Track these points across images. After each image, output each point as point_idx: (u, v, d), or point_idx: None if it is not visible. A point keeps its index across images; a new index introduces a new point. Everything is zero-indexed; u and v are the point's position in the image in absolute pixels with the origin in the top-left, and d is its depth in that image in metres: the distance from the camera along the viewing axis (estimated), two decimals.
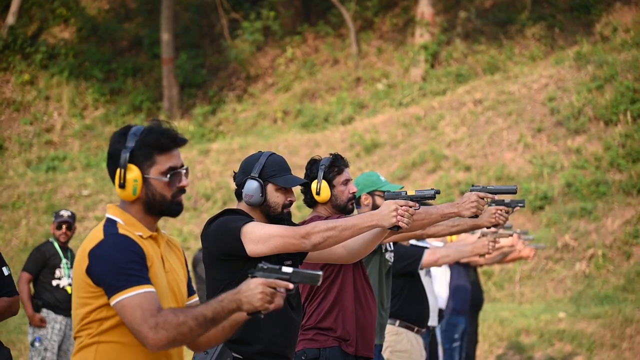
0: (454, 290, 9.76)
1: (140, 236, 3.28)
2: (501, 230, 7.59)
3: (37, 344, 9.13)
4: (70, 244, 9.76)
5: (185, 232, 17.27)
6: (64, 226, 9.31)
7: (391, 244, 6.10)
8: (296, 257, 4.59)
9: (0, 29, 24.19)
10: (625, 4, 21.15)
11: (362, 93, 22.12)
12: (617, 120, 16.52)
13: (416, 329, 6.91)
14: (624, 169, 15.63)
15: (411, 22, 23.11)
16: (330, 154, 5.35)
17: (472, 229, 5.77)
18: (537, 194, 15.74)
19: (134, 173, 3.27)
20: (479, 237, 7.31)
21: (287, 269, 3.20)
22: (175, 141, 3.32)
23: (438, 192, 4.77)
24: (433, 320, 8.23)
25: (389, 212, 4.45)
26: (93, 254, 3.20)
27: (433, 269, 8.82)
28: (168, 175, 3.30)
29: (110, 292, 3.15)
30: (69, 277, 9.31)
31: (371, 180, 6.07)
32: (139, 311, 3.12)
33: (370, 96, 21.72)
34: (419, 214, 4.95)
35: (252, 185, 4.52)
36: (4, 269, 5.55)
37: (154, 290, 3.17)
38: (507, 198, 5.88)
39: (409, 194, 4.70)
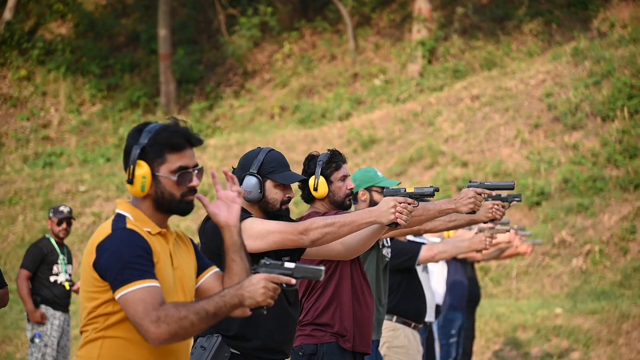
0: (451, 286, 9.78)
1: (149, 232, 3.29)
2: (498, 226, 7.59)
3: (37, 340, 9.12)
4: (65, 240, 9.76)
5: (182, 227, 17.28)
6: (64, 222, 9.32)
7: (388, 239, 6.11)
8: (294, 253, 4.59)
9: None
10: (622, 0, 21.16)
11: (359, 89, 22.12)
12: (614, 116, 16.53)
13: (413, 324, 6.92)
14: (621, 164, 15.65)
15: (408, 18, 23.10)
16: (328, 150, 5.35)
17: (469, 224, 5.77)
18: (534, 190, 15.75)
19: (143, 170, 3.28)
20: (476, 233, 7.32)
21: (290, 265, 3.21)
22: (189, 141, 3.32)
23: (437, 189, 4.77)
24: (430, 316, 8.24)
25: (387, 208, 4.46)
26: (100, 247, 3.22)
27: (430, 265, 8.82)
28: (177, 175, 3.30)
29: (115, 285, 3.17)
30: (66, 273, 9.31)
31: (368, 176, 6.07)
32: (141, 305, 3.13)
33: (368, 92, 21.72)
34: (416, 210, 4.96)
35: (250, 182, 4.52)
36: None
37: (159, 285, 3.18)
38: (503, 193, 5.88)
39: (408, 190, 4.71)
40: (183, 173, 3.31)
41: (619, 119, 16.43)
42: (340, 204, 5.32)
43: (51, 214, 9.39)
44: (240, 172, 4.58)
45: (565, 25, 21.71)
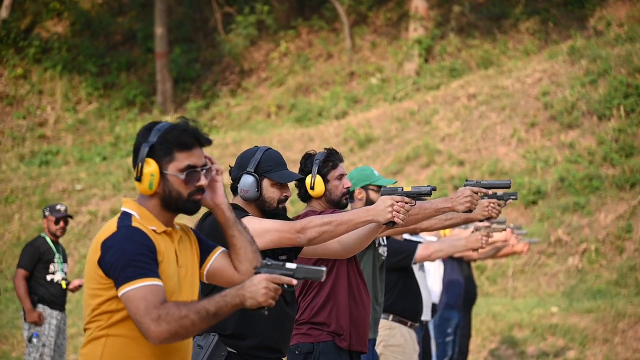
0: (447, 284, 9.78)
1: (154, 231, 3.30)
2: (494, 225, 7.60)
3: (34, 340, 9.09)
4: (61, 239, 9.75)
5: None
6: (61, 221, 9.31)
7: (384, 238, 6.11)
8: (291, 252, 4.59)
9: None
10: None
11: (355, 87, 22.12)
12: (610, 115, 16.54)
13: (409, 323, 6.92)
14: (617, 163, 15.66)
15: (405, 17, 23.10)
16: (325, 149, 5.34)
17: (465, 223, 5.77)
18: (530, 189, 15.76)
19: (151, 167, 3.29)
20: (473, 232, 7.32)
21: (291, 265, 3.21)
22: (198, 140, 3.33)
23: (434, 188, 4.77)
24: (426, 315, 8.24)
25: (384, 207, 4.47)
26: (105, 245, 3.23)
27: (426, 264, 8.82)
28: (185, 173, 3.31)
29: (118, 283, 3.18)
30: (62, 272, 9.30)
31: (365, 175, 6.07)
32: (142, 303, 3.14)
33: (364, 91, 21.72)
34: (412, 209, 4.96)
35: (247, 180, 4.52)
36: None
37: (161, 284, 3.19)
38: (499, 191, 5.89)
39: (405, 189, 4.71)
40: (191, 172, 3.32)
41: (615, 118, 16.45)
42: (336, 203, 5.32)
43: (47, 213, 9.36)
44: (237, 171, 4.57)
45: (561, 23, 21.72)
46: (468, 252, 8.04)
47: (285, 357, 4.71)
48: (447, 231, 8.97)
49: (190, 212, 3.37)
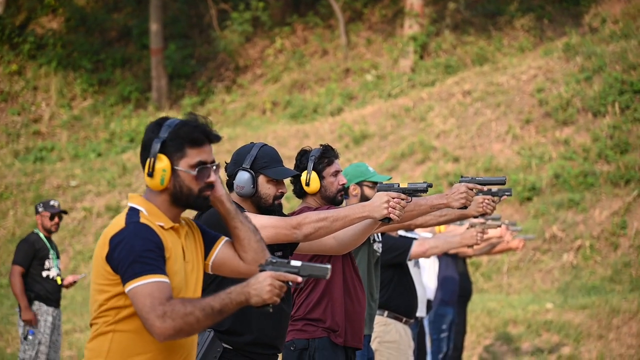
0: (442, 281, 9.79)
1: (162, 227, 3.31)
2: (489, 221, 7.61)
3: (30, 337, 9.07)
4: (55, 235, 9.72)
5: None
6: (56, 217, 9.29)
7: (379, 234, 6.11)
8: (287, 248, 4.59)
9: None
10: None
11: (351, 84, 22.12)
12: (605, 112, 16.56)
13: (404, 319, 6.93)
14: (612, 160, 15.68)
15: (400, 13, 23.10)
16: (321, 145, 5.35)
17: (459, 219, 5.78)
18: (525, 185, 15.78)
19: (163, 163, 3.31)
20: (468, 228, 7.33)
21: (296, 263, 3.22)
22: (208, 137, 3.35)
23: (430, 185, 4.78)
24: (421, 311, 8.25)
25: (380, 203, 4.47)
26: (113, 240, 3.24)
27: (421, 260, 8.83)
28: (196, 169, 3.33)
29: (125, 278, 3.19)
30: (57, 268, 9.28)
31: (360, 171, 6.08)
32: (148, 299, 3.15)
33: (359, 87, 21.72)
34: (407, 205, 4.97)
35: (243, 177, 4.52)
36: None
37: (168, 281, 3.20)
38: (494, 188, 5.89)
39: (401, 186, 4.72)
40: (202, 168, 3.34)
41: (610, 115, 16.47)
42: (332, 200, 5.32)
43: (41, 209, 9.30)
44: (233, 167, 4.57)
45: (556, 20, 21.74)
46: (463, 248, 8.06)
47: (281, 353, 4.71)
48: (442, 227, 8.97)
49: (200, 207, 3.38)
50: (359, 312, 5.37)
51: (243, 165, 4.54)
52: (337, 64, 22.71)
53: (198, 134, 3.33)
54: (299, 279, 3.20)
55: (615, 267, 14.17)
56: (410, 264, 7.41)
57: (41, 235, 9.26)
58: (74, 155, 21.25)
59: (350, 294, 5.33)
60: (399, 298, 6.87)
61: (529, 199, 15.76)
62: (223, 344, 4.40)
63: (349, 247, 4.86)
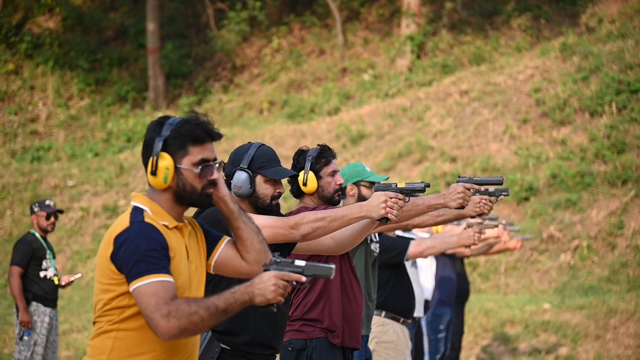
0: (440, 281, 9.79)
1: (166, 226, 3.31)
2: (487, 221, 7.61)
3: (26, 337, 9.03)
4: (53, 235, 9.70)
5: None
6: (52, 216, 9.26)
7: (376, 234, 6.11)
8: (284, 248, 4.59)
9: None
10: None
11: (348, 84, 22.12)
12: (602, 112, 16.56)
13: (402, 319, 6.93)
14: (609, 160, 15.69)
15: (397, 13, 23.10)
16: (318, 145, 5.34)
17: (457, 219, 5.78)
18: (522, 185, 15.78)
19: (166, 161, 3.31)
20: (465, 228, 7.33)
21: (300, 262, 3.23)
22: (209, 134, 3.36)
23: (428, 185, 4.78)
24: (419, 311, 8.24)
25: (378, 203, 4.47)
26: (118, 240, 3.25)
27: (419, 260, 8.83)
28: (199, 167, 3.33)
29: (130, 278, 3.20)
30: (54, 268, 9.25)
31: (357, 171, 6.07)
32: (153, 299, 3.15)
33: (357, 87, 21.71)
34: (405, 205, 4.96)
35: (241, 177, 4.52)
36: None
37: (172, 280, 3.20)
38: (491, 188, 5.89)
39: (399, 186, 4.71)
40: (205, 166, 3.35)
41: (607, 114, 16.47)
42: (329, 199, 5.31)
43: (36, 209, 9.24)
44: (231, 167, 4.57)
45: (553, 20, 21.74)
46: (460, 248, 8.06)
47: (279, 354, 4.71)
48: (440, 228, 8.97)
49: (203, 205, 3.39)
50: (357, 313, 5.37)
51: (241, 165, 4.53)
52: (334, 63, 22.71)
53: (200, 131, 3.34)
54: (303, 278, 3.20)
55: (613, 267, 14.17)
56: (408, 264, 7.40)
57: (37, 235, 9.22)
58: (71, 155, 21.23)
59: (347, 294, 5.33)
60: (396, 298, 6.87)
61: (526, 199, 15.76)
62: (221, 344, 4.39)
63: (347, 247, 4.85)
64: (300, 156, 5.30)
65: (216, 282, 4.25)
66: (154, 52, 22.89)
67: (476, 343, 12.54)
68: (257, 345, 4.44)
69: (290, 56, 23.22)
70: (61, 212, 9.45)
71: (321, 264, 3.23)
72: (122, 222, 3.29)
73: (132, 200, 3.39)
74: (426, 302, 9.08)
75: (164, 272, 3.19)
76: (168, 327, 3.15)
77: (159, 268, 3.19)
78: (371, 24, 23.60)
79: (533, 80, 17.97)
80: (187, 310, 3.15)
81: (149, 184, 3.39)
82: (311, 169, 5.26)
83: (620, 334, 12.23)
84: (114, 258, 3.23)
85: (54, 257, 9.32)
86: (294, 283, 3.21)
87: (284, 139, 19.07)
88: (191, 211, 4.20)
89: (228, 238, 3.53)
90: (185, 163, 3.33)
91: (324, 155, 5.29)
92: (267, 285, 3.17)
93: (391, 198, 4.49)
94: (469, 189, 5.10)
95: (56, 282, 9.20)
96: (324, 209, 5.07)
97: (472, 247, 8.39)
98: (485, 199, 5.49)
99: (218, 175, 3.39)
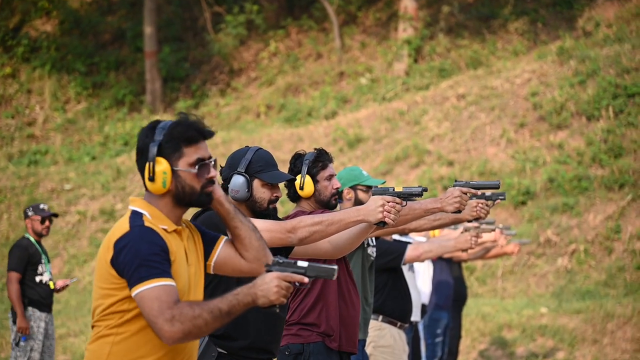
0: (437, 285, 9.78)
1: (165, 230, 3.31)
2: (484, 225, 7.61)
3: (22, 343, 8.99)
4: (50, 239, 9.67)
5: None
6: (47, 220, 9.22)
7: (373, 238, 6.11)
8: (282, 252, 4.58)
9: None
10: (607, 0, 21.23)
11: (345, 87, 22.12)
12: (599, 116, 16.57)
13: (399, 324, 6.92)
14: (606, 164, 15.69)
15: (394, 17, 23.11)
16: (315, 149, 5.34)
17: (453, 223, 5.78)
18: (519, 189, 15.78)
19: (162, 166, 3.31)
20: (462, 232, 7.33)
21: (303, 263, 3.23)
22: (202, 133, 3.36)
23: (425, 189, 4.78)
24: (416, 316, 8.25)
25: (375, 207, 4.47)
26: (118, 244, 3.24)
27: (416, 264, 8.83)
28: (197, 167, 3.34)
29: (132, 282, 3.19)
30: (49, 272, 9.21)
31: (354, 175, 6.07)
32: (156, 303, 3.15)
33: (354, 91, 21.72)
34: (402, 209, 4.96)
35: (238, 181, 4.51)
36: None
37: (174, 284, 3.20)
38: (488, 192, 5.89)
39: (396, 190, 4.71)
40: (202, 165, 3.36)
41: (604, 119, 16.48)
42: (326, 204, 5.31)
43: (31, 213, 9.17)
44: (228, 171, 4.57)
45: (550, 24, 21.76)
46: (457, 252, 8.05)
47: (276, 358, 4.70)
48: (437, 232, 8.97)
49: (204, 204, 3.39)
50: (354, 317, 5.36)
51: (238, 169, 4.53)
52: (331, 67, 22.71)
53: (192, 132, 3.34)
54: (306, 279, 3.20)
55: (610, 271, 14.17)
56: (405, 268, 7.40)
57: (32, 239, 9.16)
58: (68, 159, 21.21)
59: (344, 298, 5.33)
60: (393, 302, 6.87)
61: (523, 203, 15.76)
62: (218, 349, 4.39)
63: (344, 251, 4.85)
64: (297, 160, 5.30)
65: (215, 285, 4.25)
66: (151, 55, 22.88)
67: (473, 347, 12.53)
68: (255, 349, 4.44)
69: (288, 60, 23.22)
70: (56, 215, 9.41)
71: (323, 265, 3.23)
72: (122, 226, 3.29)
73: (130, 205, 3.38)
74: (423, 306, 9.09)
75: (166, 276, 3.19)
76: (172, 331, 3.15)
77: (161, 272, 3.18)
78: (368, 28, 23.61)
79: (530, 84, 17.97)
80: (191, 314, 3.14)
81: (147, 189, 3.38)
82: (308, 173, 5.25)
83: (617, 338, 12.23)
84: (114, 262, 3.23)
85: (48, 262, 9.29)
86: (297, 284, 3.21)
87: (281, 143, 19.06)
88: (188, 215, 4.19)
89: (226, 238, 3.52)
90: (182, 165, 3.33)
91: (321, 159, 5.28)
92: (270, 286, 3.18)
93: (388, 202, 4.49)
94: (465, 193, 5.10)
95: (52, 286, 9.17)
96: (321, 213, 5.07)
97: (469, 251, 8.39)
98: (482, 203, 5.49)
99: (215, 173, 3.40)
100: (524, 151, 16.65)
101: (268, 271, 3.22)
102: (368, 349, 6.68)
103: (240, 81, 23.35)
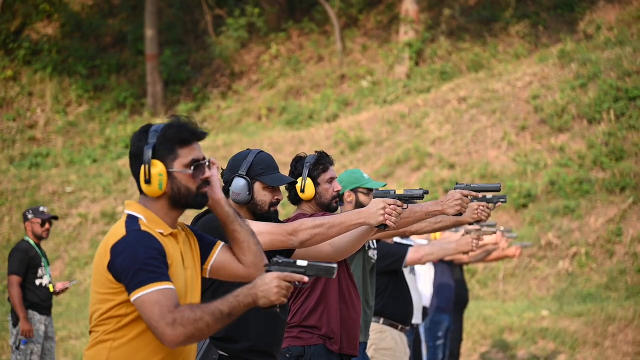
0: (438, 288, 9.78)
1: (161, 233, 3.30)
2: (484, 228, 7.60)
3: (22, 346, 8.98)
4: (50, 241, 9.66)
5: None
6: (47, 223, 9.20)
7: (374, 241, 6.11)
8: (283, 255, 4.57)
9: None
10: (608, 2, 21.23)
11: (346, 90, 22.12)
12: (600, 119, 16.57)
13: (400, 326, 6.92)
14: (607, 167, 15.69)
15: (395, 19, 23.12)
16: (316, 152, 5.34)
17: (454, 226, 5.78)
18: (520, 192, 15.78)
19: (158, 168, 3.31)
20: (462, 235, 7.33)
21: (302, 262, 3.22)
22: (195, 134, 3.36)
23: (426, 192, 4.78)
24: (417, 318, 8.24)
25: (376, 210, 4.47)
26: (115, 249, 3.23)
27: (417, 267, 8.83)
28: (192, 167, 3.33)
29: (130, 287, 3.18)
30: (49, 275, 9.20)
31: (354, 177, 6.07)
32: (157, 307, 3.14)
33: (355, 93, 21.72)
34: (403, 211, 4.96)
35: (239, 183, 4.51)
36: None
37: (173, 287, 3.19)
38: (489, 194, 5.89)
39: (397, 192, 4.71)
40: (197, 165, 3.35)
41: (605, 122, 16.48)
42: (327, 206, 5.31)
43: (30, 215, 9.14)
44: (229, 174, 4.56)
45: (551, 27, 21.76)
46: (458, 255, 8.06)
47: None
48: (438, 234, 8.97)
49: (200, 205, 3.38)
50: (355, 319, 5.36)
51: (239, 172, 4.53)
52: (332, 70, 22.72)
53: (186, 133, 3.34)
54: (306, 278, 3.20)
55: (611, 274, 14.16)
56: (406, 271, 7.40)
57: (32, 242, 9.14)
58: (69, 161, 21.22)
59: (345, 301, 5.32)
60: (394, 305, 6.87)
61: (524, 205, 15.76)
62: (219, 351, 4.38)
63: (345, 253, 4.85)
64: (297, 163, 5.30)
65: (216, 287, 4.25)
66: (152, 58, 22.89)
67: (474, 350, 12.53)
68: (256, 352, 4.43)
69: (289, 63, 23.23)
70: (56, 218, 9.39)
71: (323, 264, 3.22)
72: (118, 231, 3.27)
73: (126, 209, 3.37)
74: (424, 308, 9.08)
75: (164, 280, 3.18)
76: (174, 335, 3.14)
77: (160, 276, 3.18)
78: (369, 31, 23.62)
79: (531, 87, 17.97)
80: (192, 317, 3.14)
81: (142, 193, 3.37)
82: (309, 175, 5.25)
83: (618, 341, 12.22)
84: (111, 267, 3.22)
85: (48, 264, 9.28)
86: (297, 283, 3.20)
87: (282, 146, 19.07)
88: (189, 218, 4.18)
89: (222, 243, 3.52)
90: (177, 166, 3.33)
91: (322, 161, 5.29)
92: (270, 286, 3.17)
93: (389, 205, 4.49)
94: (466, 196, 5.10)
95: (51, 289, 9.15)
96: (322, 215, 5.07)
97: (470, 253, 8.40)
98: (482, 206, 5.49)
99: (210, 173, 3.39)
100: (525, 154, 16.65)
101: (267, 271, 3.21)
102: (369, 352, 6.68)
103: (242, 84, 23.35)
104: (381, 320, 6.84)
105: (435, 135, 17.90)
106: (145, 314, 3.16)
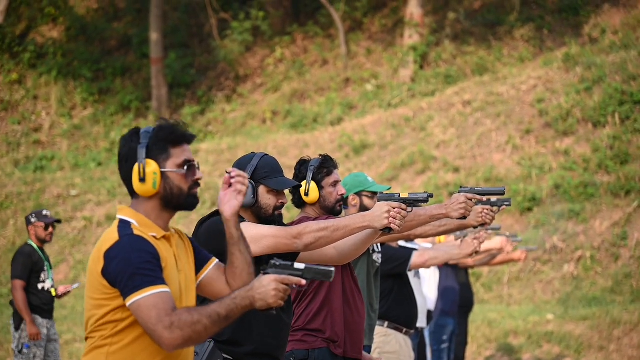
0: (443, 291, 9.78)
1: (154, 237, 3.30)
2: (489, 232, 7.60)
3: (25, 350, 8.98)
4: (56, 245, 9.66)
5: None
6: (50, 226, 9.19)
7: (379, 244, 6.10)
8: (287, 258, 4.58)
9: None
10: (613, 6, 21.21)
11: (351, 94, 22.13)
12: (605, 122, 16.56)
13: (405, 330, 6.91)
14: (612, 170, 15.68)
15: (400, 23, 23.12)
16: (320, 155, 5.34)
17: (459, 229, 5.78)
18: (525, 196, 15.77)
19: (152, 167, 3.31)
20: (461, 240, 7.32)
21: (300, 265, 3.21)
22: (185, 136, 3.37)
23: (431, 195, 4.77)
24: (422, 322, 8.23)
25: (381, 213, 4.46)
26: (108, 255, 3.22)
27: (422, 271, 8.82)
28: (185, 167, 3.34)
29: (126, 292, 3.17)
30: (51, 279, 9.19)
31: (359, 181, 6.07)
32: (154, 311, 3.13)
33: (359, 97, 21.72)
34: (407, 215, 4.96)
35: None
36: None
37: (169, 290, 3.19)
38: (493, 198, 5.89)
39: (402, 196, 4.71)
40: (190, 166, 3.36)
41: (610, 125, 16.46)
42: (331, 210, 5.31)
43: (34, 219, 9.12)
44: None
45: (556, 31, 21.75)
46: (464, 259, 8.04)
47: None
48: (442, 238, 8.96)
49: (191, 207, 3.37)
50: (359, 323, 5.35)
51: None
52: (337, 73, 22.72)
53: (178, 134, 3.35)
54: (303, 281, 3.19)
55: (616, 278, 14.14)
56: (411, 275, 7.39)
57: (35, 246, 9.13)
58: (74, 165, 21.24)
59: (349, 305, 5.32)
60: (399, 308, 6.86)
61: (529, 209, 15.74)
62: (223, 355, 4.38)
63: (350, 257, 4.84)
64: (302, 166, 5.30)
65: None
66: (157, 61, 22.91)
67: (480, 354, 12.51)
68: (260, 355, 4.43)
69: (293, 66, 23.24)
70: (59, 221, 9.38)
71: (321, 267, 3.21)
72: (111, 236, 3.26)
73: (118, 213, 3.36)
74: (429, 312, 9.08)
75: (160, 283, 3.17)
76: (172, 338, 3.13)
77: (155, 279, 3.17)
78: (374, 34, 23.62)
79: (536, 91, 17.97)
80: (189, 320, 3.13)
81: (134, 195, 3.37)
82: (313, 179, 5.25)
83: (623, 345, 12.20)
84: (105, 273, 3.20)
85: (51, 268, 9.27)
86: (294, 286, 3.20)
87: (287, 149, 19.07)
88: (191, 221, 4.17)
89: (216, 260, 3.51)
90: (170, 166, 3.33)
91: (326, 165, 5.28)
92: (267, 289, 3.16)
93: (394, 208, 4.48)
94: (471, 199, 5.10)
95: (53, 293, 9.14)
96: (326, 219, 5.07)
97: (475, 256, 8.38)
98: (487, 209, 5.48)
99: (201, 175, 3.39)
100: (530, 157, 16.64)
101: (265, 274, 3.21)
102: (374, 355, 6.67)
103: (246, 87, 23.37)
104: (386, 323, 6.83)
105: (440, 139, 17.90)
106: (142, 318, 3.15)
